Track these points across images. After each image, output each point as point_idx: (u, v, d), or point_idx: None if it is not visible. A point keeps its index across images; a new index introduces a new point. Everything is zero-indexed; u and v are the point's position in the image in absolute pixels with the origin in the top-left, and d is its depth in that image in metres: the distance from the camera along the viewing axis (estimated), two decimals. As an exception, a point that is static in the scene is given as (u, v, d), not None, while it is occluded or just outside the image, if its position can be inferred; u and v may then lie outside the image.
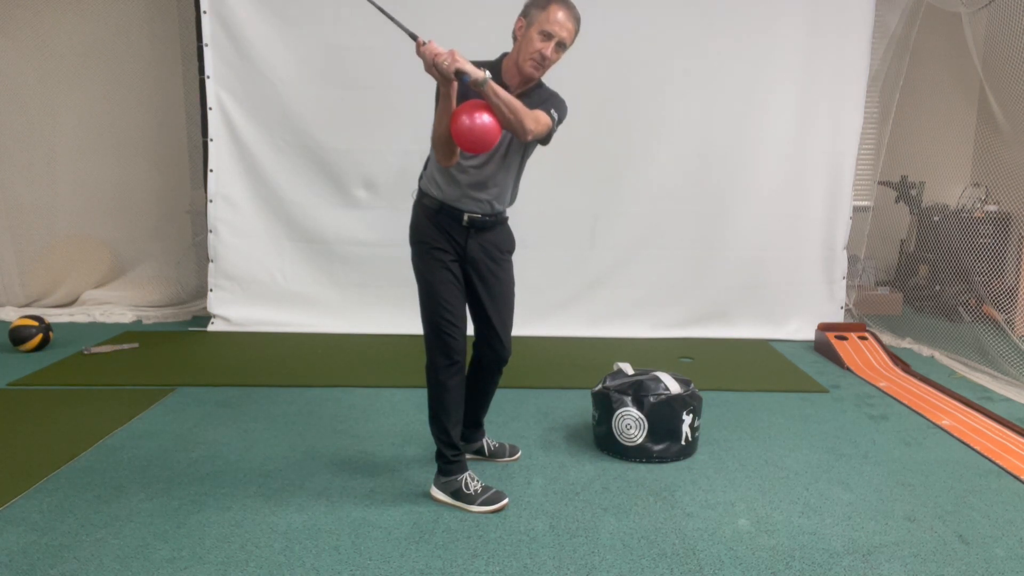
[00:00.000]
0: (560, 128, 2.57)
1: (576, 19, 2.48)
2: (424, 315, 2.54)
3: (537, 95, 2.54)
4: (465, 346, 2.58)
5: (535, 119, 2.36)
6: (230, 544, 2.30)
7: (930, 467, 2.95)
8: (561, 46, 2.46)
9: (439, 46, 2.16)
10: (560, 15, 2.41)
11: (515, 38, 2.49)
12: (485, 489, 2.60)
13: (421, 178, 2.61)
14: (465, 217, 2.53)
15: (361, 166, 4.94)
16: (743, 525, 2.46)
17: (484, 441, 2.96)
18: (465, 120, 2.19)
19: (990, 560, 2.27)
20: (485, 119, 2.19)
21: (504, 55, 2.53)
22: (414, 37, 2.19)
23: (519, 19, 2.48)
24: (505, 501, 2.58)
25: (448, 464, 2.62)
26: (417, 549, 2.28)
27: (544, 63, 2.44)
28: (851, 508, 2.59)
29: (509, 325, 2.71)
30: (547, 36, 2.41)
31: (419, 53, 2.17)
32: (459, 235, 2.55)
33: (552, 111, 2.47)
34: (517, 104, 2.29)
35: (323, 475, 2.79)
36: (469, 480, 2.60)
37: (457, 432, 2.64)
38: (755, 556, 2.27)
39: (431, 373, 2.56)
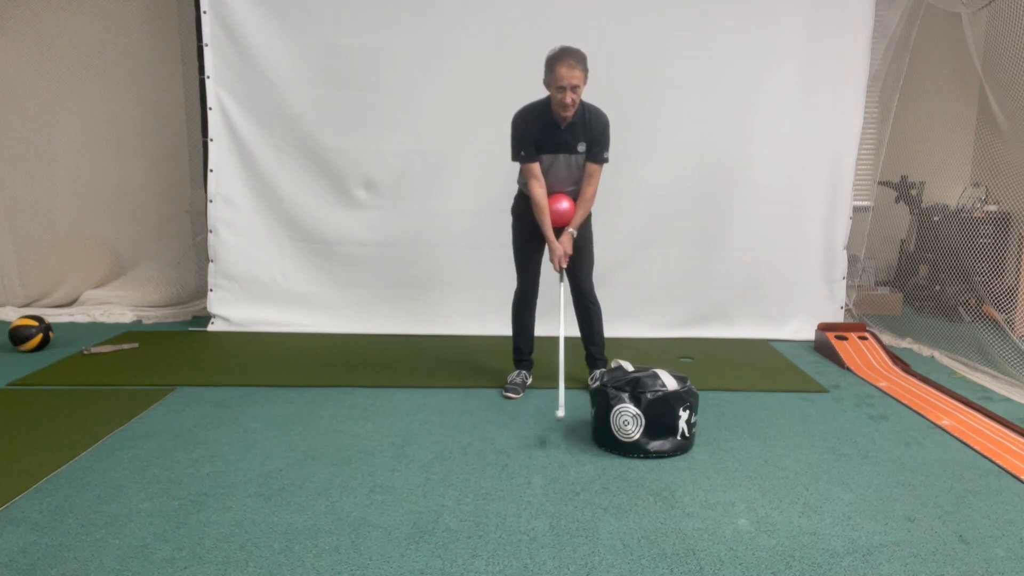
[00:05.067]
0: None
1: (580, 62, 3.16)
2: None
3: (583, 125, 3.33)
4: None
5: (594, 193, 3.46)
6: (230, 544, 2.30)
7: (930, 467, 2.95)
8: (576, 88, 3.18)
9: (562, 259, 3.44)
10: (563, 71, 3.14)
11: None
12: (513, 383, 3.72)
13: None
14: None
15: (361, 166, 4.94)
16: (743, 525, 2.46)
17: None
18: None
19: (990, 560, 2.27)
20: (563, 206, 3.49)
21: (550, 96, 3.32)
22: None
23: (545, 76, 3.25)
24: (513, 396, 3.66)
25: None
26: (417, 549, 2.28)
27: (571, 105, 3.21)
28: (851, 508, 2.59)
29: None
30: (561, 89, 3.18)
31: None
32: None
33: (605, 153, 3.40)
34: (585, 211, 3.47)
35: (323, 475, 2.79)
36: (515, 375, 3.80)
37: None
38: (755, 556, 2.27)
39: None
